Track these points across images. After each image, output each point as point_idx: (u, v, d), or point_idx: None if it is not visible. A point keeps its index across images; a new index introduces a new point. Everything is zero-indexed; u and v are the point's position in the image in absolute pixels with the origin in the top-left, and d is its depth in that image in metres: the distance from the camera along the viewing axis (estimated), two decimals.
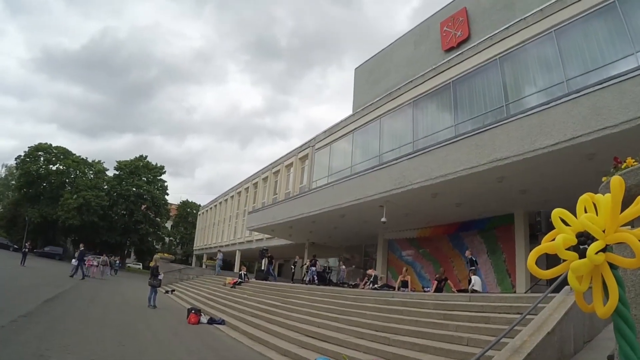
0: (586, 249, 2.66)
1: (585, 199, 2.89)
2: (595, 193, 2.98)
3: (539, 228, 12.08)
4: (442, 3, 23.87)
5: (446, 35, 22.78)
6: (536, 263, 2.66)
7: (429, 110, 20.88)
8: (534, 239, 16.54)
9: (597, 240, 2.64)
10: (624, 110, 9.67)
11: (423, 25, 25.28)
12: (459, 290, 16.18)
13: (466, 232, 19.76)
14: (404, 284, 17.60)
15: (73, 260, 29.49)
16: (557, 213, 2.92)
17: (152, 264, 19.23)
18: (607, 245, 2.63)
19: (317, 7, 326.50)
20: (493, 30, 18.05)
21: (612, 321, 2.80)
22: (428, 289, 17.68)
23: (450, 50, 22.06)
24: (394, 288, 18.17)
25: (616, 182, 2.58)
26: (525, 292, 14.01)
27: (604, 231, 2.64)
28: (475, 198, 16.07)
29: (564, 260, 2.85)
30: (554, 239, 3.05)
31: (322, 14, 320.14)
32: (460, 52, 19.73)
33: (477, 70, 18.20)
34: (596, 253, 2.57)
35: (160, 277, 18.98)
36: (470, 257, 17.14)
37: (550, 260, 2.99)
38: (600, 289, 2.73)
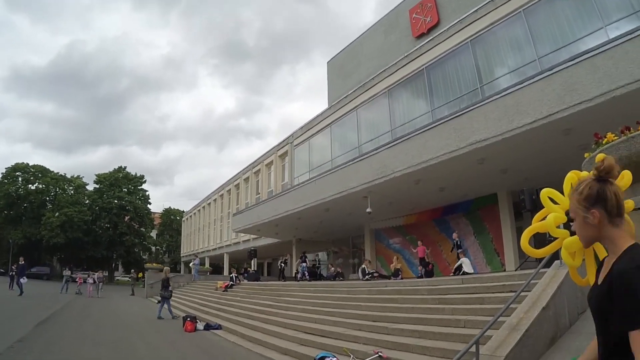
0: None
1: (571, 176, 2.97)
2: (574, 168, 3.07)
3: (523, 206, 12.30)
4: None
5: (416, 22, 22.89)
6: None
7: (404, 98, 20.98)
8: (519, 217, 16.79)
9: None
10: (598, 84, 9.84)
11: (392, 14, 25.35)
12: (453, 273, 16.34)
13: (451, 215, 19.96)
14: (396, 273, 17.73)
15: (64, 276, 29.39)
16: (546, 193, 3.00)
17: (163, 276, 19.82)
18: None
19: (283, 6, 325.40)
20: (462, 14, 18.17)
21: None
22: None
23: (420, 36, 22.18)
24: (387, 277, 18.32)
25: (600, 159, 2.68)
26: (515, 270, 14.19)
27: None
28: (458, 181, 16.22)
29: (553, 239, 2.94)
30: (544, 218, 3.15)
31: (288, 12, 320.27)
32: (431, 38, 19.85)
33: (450, 54, 18.34)
34: None
35: (171, 288, 19.23)
36: (457, 239, 17.34)
37: (537, 238, 3.08)
38: (593, 262, 2.82)
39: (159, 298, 19.29)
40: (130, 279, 39.81)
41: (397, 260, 18.69)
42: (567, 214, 2.91)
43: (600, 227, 1.77)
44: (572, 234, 2.82)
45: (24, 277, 23.78)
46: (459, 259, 16.55)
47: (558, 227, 2.93)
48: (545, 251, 3.18)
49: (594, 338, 1.80)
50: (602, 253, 2.76)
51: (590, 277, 2.90)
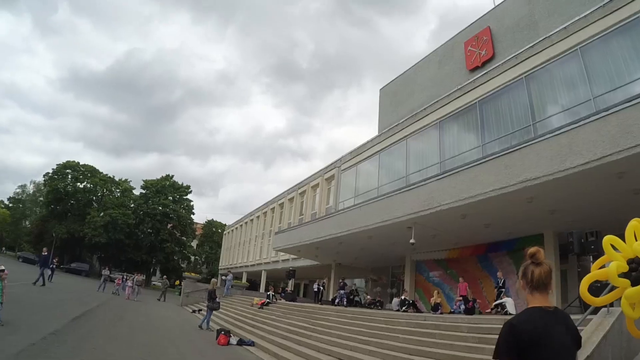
0: (638, 275, 2.69)
1: (634, 225, 2.92)
2: (626, 212, 3.01)
3: (571, 249, 11.98)
4: (461, 25, 24.01)
5: (470, 55, 22.84)
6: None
7: (455, 131, 20.83)
8: (564, 260, 16.36)
9: None
10: None
11: (447, 45, 25.37)
12: (491, 310, 15.99)
13: (495, 252, 19.54)
14: (436, 307, 17.47)
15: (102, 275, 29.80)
16: (608, 240, 2.95)
17: (209, 287, 19.83)
18: None
19: (336, 30, 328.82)
20: (517, 49, 18.04)
21: None
22: (453, 308, 17.49)
23: (475, 69, 22.11)
24: (420, 311, 18.09)
25: None
26: None
27: None
28: (505, 218, 15.94)
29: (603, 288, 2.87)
30: (602, 267, 3.08)
31: (341, 36, 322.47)
32: (485, 71, 19.72)
33: (503, 89, 18.16)
34: None
35: (218, 299, 19.50)
36: (501, 278, 17.00)
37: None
38: None
39: (197, 308, 19.50)
40: (161, 284, 39.97)
41: (438, 295, 18.41)
42: (629, 262, 2.85)
43: (524, 291, 2.53)
44: (634, 283, 2.77)
45: (50, 267, 23.14)
46: (498, 297, 16.20)
47: (619, 275, 2.87)
48: (605, 300, 3.13)
49: None
50: None
51: None
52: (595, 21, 14.59)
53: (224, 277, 36.34)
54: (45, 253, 25.23)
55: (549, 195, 13.08)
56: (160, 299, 35.20)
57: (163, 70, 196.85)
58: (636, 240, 2.82)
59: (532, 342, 2.19)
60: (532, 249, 2.56)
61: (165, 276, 43.77)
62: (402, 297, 19.31)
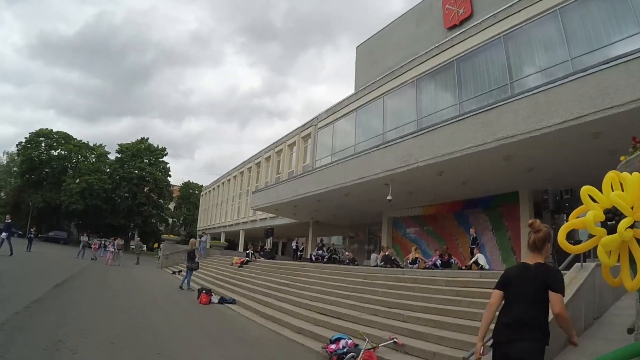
0: (614, 224, 2.82)
1: (611, 176, 3.04)
2: (601, 172, 3.12)
3: (545, 206, 12.23)
4: None
5: (448, 13, 22.71)
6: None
7: (432, 89, 20.87)
8: (539, 217, 16.65)
9: (625, 216, 2.79)
10: (631, 90, 9.69)
11: (425, 3, 25.14)
12: (467, 267, 16.37)
13: (471, 209, 19.91)
14: (414, 261, 17.79)
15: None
16: (586, 190, 3.08)
17: (188, 248, 19.83)
18: (634, 221, 2.79)
19: None
20: (496, 8, 17.95)
21: (638, 294, 2.96)
22: (429, 260, 17.81)
23: (452, 28, 22.01)
24: (399, 265, 18.41)
25: None
26: None
27: (632, 208, 2.79)
28: (481, 176, 16.18)
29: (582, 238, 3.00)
30: (579, 216, 3.22)
31: None
32: (463, 30, 19.67)
33: (481, 48, 18.18)
34: (625, 229, 2.72)
35: (198, 259, 19.49)
36: (473, 234, 17.36)
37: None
38: (627, 263, 2.90)
39: (177, 269, 19.53)
40: (135, 247, 39.38)
41: (415, 251, 18.70)
42: (605, 212, 2.98)
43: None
44: (610, 232, 2.90)
45: (5, 234, 22.25)
46: (472, 254, 16.59)
47: (596, 225, 3.01)
48: (582, 247, 3.27)
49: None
50: (638, 255, 2.84)
51: (624, 277, 2.98)
52: None
53: (199, 238, 36.23)
54: (9, 221, 24.22)
55: (526, 154, 13.29)
56: (137, 262, 34.60)
57: (134, 33, 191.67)
58: (613, 191, 2.94)
59: (507, 282, 3.52)
60: (529, 221, 3.52)
61: (138, 238, 43.40)
62: (386, 253, 19.57)
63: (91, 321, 9.42)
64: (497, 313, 3.54)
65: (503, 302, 3.51)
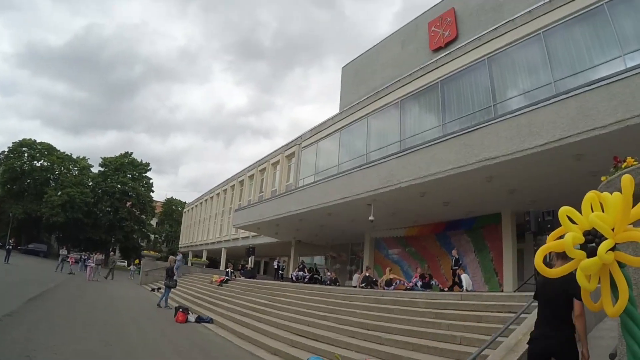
0: (594, 247, 2.67)
1: (591, 196, 2.90)
2: (583, 195, 2.99)
3: (527, 227, 12.17)
4: (424, 7, 23.89)
5: (434, 35, 22.83)
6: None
7: (416, 110, 20.87)
8: (521, 239, 16.70)
9: (605, 238, 2.65)
10: (613, 111, 9.71)
11: (410, 25, 25.29)
12: (448, 289, 16.22)
13: (454, 231, 19.84)
14: (388, 283, 17.60)
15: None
16: (565, 211, 2.93)
17: (167, 265, 19.59)
18: (615, 243, 2.65)
19: (301, 9, 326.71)
20: (481, 31, 18.10)
21: (620, 320, 2.81)
22: (410, 283, 17.62)
23: (438, 50, 22.10)
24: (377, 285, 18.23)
25: (627, 180, 2.59)
26: (514, 291, 14.08)
27: (612, 230, 2.65)
28: (463, 197, 16.11)
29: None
30: (559, 238, 3.07)
31: (305, 16, 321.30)
32: (448, 52, 19.77)
33: (465, 70, 18.24)
34: (606, 252, 2.58)
35: (176, 277, 19.22)
36: (456, 256, 17.25)
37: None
38: (609, 288, 2.75)
39: (156, 286, 19.22)
40: (109, 262, 38.03)
41: (390, 272, 18.48)
42: (585, 234, 2.84)
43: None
44: (590, 255, 2.76)
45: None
46: (454, 275, 16.46)
47: (575, 247, 2.86)
48: (560, 271, 3.11)
49: None
50: (620, 280, 2.69)
51: (605, 303, 2.82)
52: (559, 6, 14.70)
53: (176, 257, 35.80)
54: None
55: (508, 175, 13.25)
56: (107, 276, 33.20)
57: (123, 47, 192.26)
58: (593, 212, 2.79)
59: (537, 290, 4.42)
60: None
61: (112, 252, 42.64)
62: (366, 274, 19.38)
63: (63, 336, 9.28)
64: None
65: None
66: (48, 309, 12.81)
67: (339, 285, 21.96)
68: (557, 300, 3.88)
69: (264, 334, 11.76)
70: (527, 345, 4.28)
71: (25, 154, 60.33)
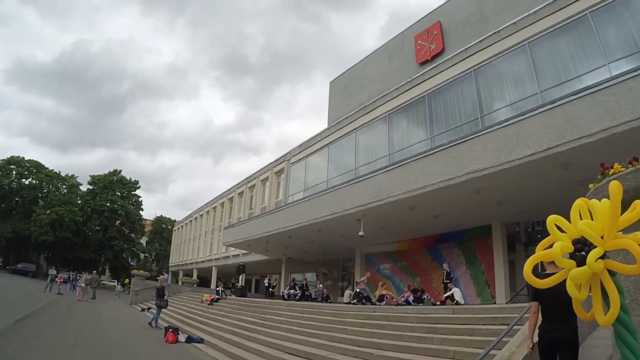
0: (584, 256, 2.60)
1: (580, 204, 2.83)
2: (572, 203, 2.92)
3: (518, 238, 12.16)
4: (410, 20, 24.03)
5: (420, 49, 22.94)
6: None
7: (404, 124, 20.88)
8: (512, 250, 16.67)
9: (595, 247, 2.57)
10: (599, 120, 9.76)
11: (397, 39, 25.43)
12: (441, 303, 16.11)
13: (444, 244, 19.78)
14: (380, 298, 17.45)
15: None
16: (553, 220, 2.86)
17: (157, 284, 19.48)
18: (605, 251, 2.57)
19: (287, 25, 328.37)
20: (467, 43, 18.18)
21: (613, 329, 2.73)
22: (402, 297, 17.48)
23: (424, 63, 22.21)
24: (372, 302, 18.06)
25: (615, 186, 2.52)
26: (506, 303, 14.00)
27: (602, 237, 2.57)
28: (453, 210, 16.10)
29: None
30: (548, 247, 2.99)
31: (291, 31, 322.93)
32: (434, 65, 19.85)
33: (452, 83, 18.28)
34: (596, 260, 2.50)
35: (166, 297, 19.04)
36: (447, 269, 17.15)
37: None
38: (600, 296, 2.67)
39: (146, 306, 19.02)
40: (93, 282, 37.05)
41: (382, 287, 18.34)
42: (574, 242, 2.76)
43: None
44: (580, 264, 2.68)
45: None
46: (445, 289, 16.34)
47: (564, 256, 2.78)
48: (549, 282, 3.03)
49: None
50: (611, 288, 2.62)
51: (597, 313, 2.74)
52: (543, 17, 14.79)
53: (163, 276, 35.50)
54: None
55: (496, 186, 13.25)
56: (94, 297, 31.96)
57: (111, 62, 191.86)
58: (582, 220, 2.71)
59: (539, 292, 4.33)
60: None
61: (95, 271, 42.07)
62: (357, 290, 19.23)
63: (51, 357, 9.04)
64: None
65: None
66: (36, 329, 12.71)
67: (330, 302, 21.80)
68: (563, 295, 3.68)
69: (255, 353, 11.57)
70: (522, 355, 4.61)
71: (14, 172, 59.81)
